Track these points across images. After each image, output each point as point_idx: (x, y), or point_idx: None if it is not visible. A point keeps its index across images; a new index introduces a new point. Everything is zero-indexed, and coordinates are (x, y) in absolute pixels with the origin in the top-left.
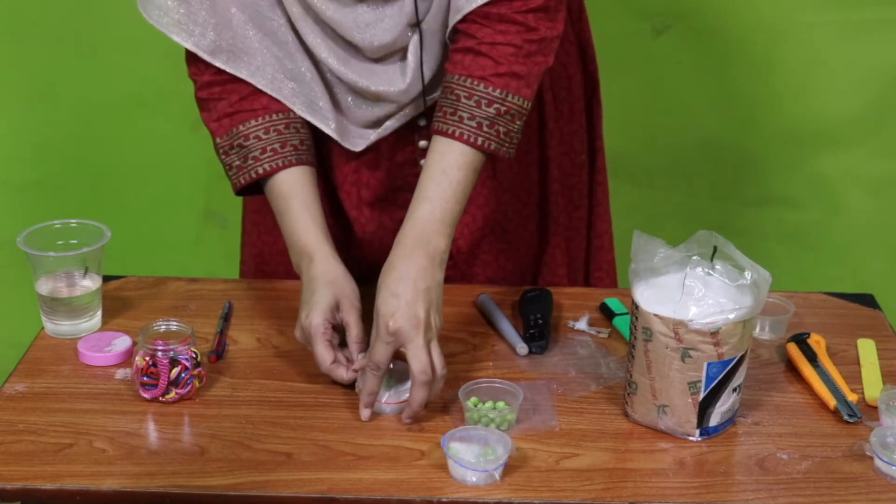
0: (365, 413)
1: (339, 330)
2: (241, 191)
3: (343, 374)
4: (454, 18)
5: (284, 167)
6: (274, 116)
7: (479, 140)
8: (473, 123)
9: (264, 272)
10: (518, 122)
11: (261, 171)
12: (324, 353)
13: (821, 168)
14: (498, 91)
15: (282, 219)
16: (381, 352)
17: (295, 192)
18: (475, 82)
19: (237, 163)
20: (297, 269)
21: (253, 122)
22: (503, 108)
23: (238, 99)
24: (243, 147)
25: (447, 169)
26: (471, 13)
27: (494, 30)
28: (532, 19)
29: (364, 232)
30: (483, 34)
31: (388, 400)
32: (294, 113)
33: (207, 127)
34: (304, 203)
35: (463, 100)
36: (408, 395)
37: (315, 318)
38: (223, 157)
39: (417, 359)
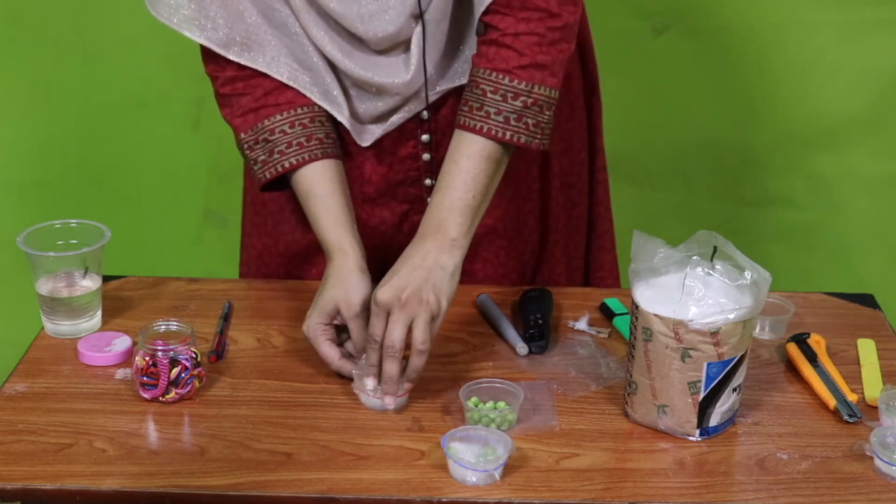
0: (370, 382)
1: (343, 329)
2: (265, 186)
3: (353, 368)
4: (478, 11)
5: (310, 161)
6: (299, 111)
7: (508, 134)
8: (500, 118)
9: (264, 274)
10: (547, 113)
11: (287, 164)
12: (329, 352)
13: (821, 168)
14: (523, 84)
15: (308, 215)
16: (374, 324)
17: (318, 187)
18: (500, 76)
19: (262, 157)
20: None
21: (278, 117)
22: (530, 101)
23: (262, 94)
24: (269, 142)
25: (458, 159)
26: (493, 3)
27: (517, 18)
28: (555, 4)
29: (366, 227)
30: (506, 24)
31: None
32: (318, 107)
33: (230, 123)
34: (327, 198)
35: (489, 94)
36: (403, 389)
37: (312, 321)
38: (248, 152)
39: (389, 331)
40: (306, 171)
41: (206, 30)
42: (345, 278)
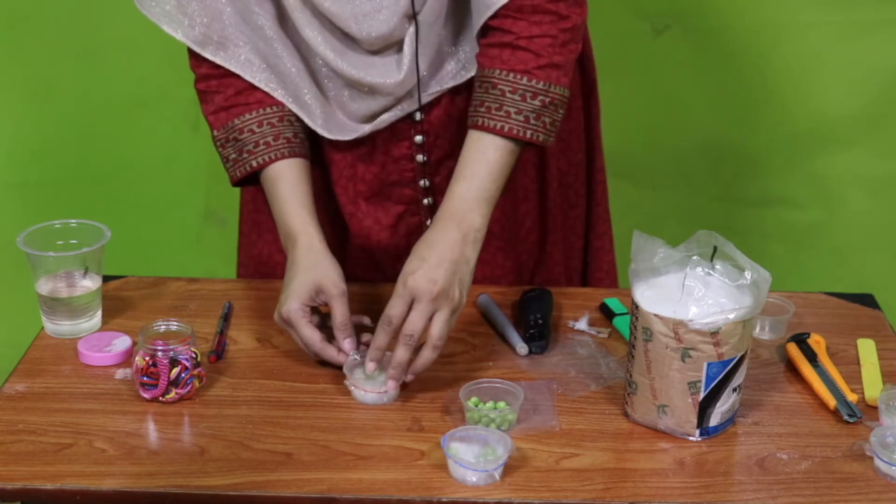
0: (370, 366)
1: (319, 313)
2: (237, 182)
3: (335, 353)
4: (485, 15)
5: (277, 160)
6: (268, 110)
7: (528, 133)
8: (521, 118)
9: (264, 273)
10: (561, 112)
11: (255, 164)
12: (311, 335)
13: (820, 168)
14: (542, 83)
15: (271, 203)
16: (394, 306)
17: (283, 177)
18: (518, 76)
19: (233, 156)
20: (285, 250)
21: (247, 116)
22: (547, 99)
23: (234, 93)
24: (238, 140)
25: (485, 150)
26: (503, 7)
27: (529, 22)
28: (564, 7)
29: (360, 227)
30: (519, 28)
31: (371, 388)
32: (288, 106)
33: (206, 119)
34: (290, 187)
35: (508, 94)
36: (385, 386)
37: (293, 303)
38: (220, 149)
39: (411, 320)
40: (272, 168)
41: (182, 26)
42: (319, 261)
